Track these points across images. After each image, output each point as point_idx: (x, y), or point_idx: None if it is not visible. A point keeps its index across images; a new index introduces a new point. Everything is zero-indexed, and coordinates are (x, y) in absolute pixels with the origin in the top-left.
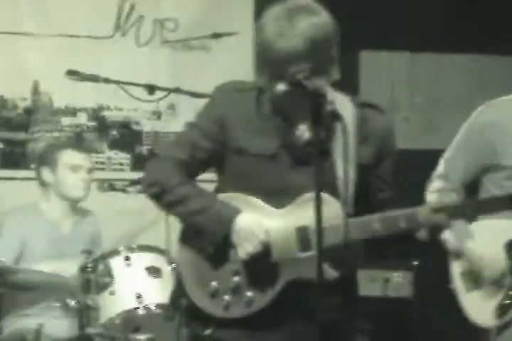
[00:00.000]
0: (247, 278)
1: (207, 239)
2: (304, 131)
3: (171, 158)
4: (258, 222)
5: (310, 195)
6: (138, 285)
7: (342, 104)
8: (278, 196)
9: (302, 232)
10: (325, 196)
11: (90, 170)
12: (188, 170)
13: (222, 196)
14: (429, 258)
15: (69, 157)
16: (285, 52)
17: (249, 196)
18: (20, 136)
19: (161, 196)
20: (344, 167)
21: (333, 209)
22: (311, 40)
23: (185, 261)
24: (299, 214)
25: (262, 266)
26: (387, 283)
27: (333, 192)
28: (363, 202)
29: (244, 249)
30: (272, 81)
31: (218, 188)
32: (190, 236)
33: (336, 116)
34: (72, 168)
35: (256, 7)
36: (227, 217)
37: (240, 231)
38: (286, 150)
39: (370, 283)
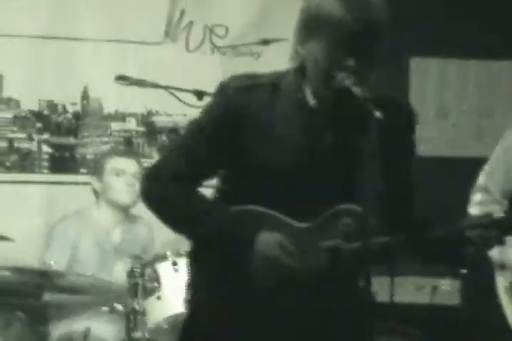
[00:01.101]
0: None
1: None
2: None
3: (169, 170)
4: (281, 244)
5: (339, 209)
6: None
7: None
8: (298, 208)
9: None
10: (354, 208)
11: (136, 175)
12: (189, 181)
13: (235, 210)
14: (477, 267)
15: (114, 162)
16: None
17: (265, 210)
18: (70, 140)
19: (162, 213)
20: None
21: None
22: (378, 22)
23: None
24: (328, 231)
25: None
26: (435, 290)
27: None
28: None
29: (269, 275)
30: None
31: (226, 197)
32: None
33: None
34: (116, 172)
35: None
36: (245, 238)
37: (262, 257)
38: (310, 157)
39: (418, 291)
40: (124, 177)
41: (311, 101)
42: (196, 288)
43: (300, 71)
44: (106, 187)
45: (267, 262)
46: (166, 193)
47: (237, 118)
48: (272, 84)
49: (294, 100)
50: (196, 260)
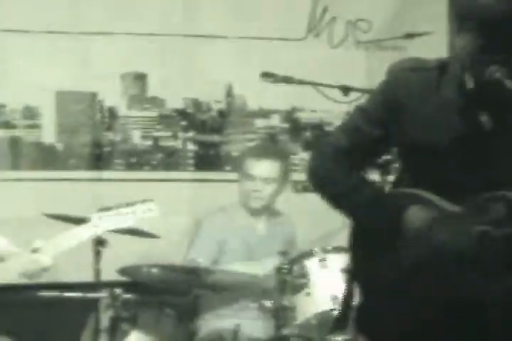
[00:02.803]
0: None
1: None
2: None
3: (332, 145)
4: (432, 218)
5: (491, 194)
6: (333, 287)
7: None
8: (453, 194)
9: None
10: (507, 195)
11: (272, 181)
12: (351, 158)
13: (391, 190)
14: None
15: (248, 165)
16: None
17: (421, 191)
18: (215, 138)
19: (322, 188)
20: None
21: None
22: None
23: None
24: (480, 216)
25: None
26: None
27: None
28: None
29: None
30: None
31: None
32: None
33: None
34: (247, 176)
35: (450, 6)
36: (397, 214)
37: (412, 228)
38: (466, 142)
39: None
40: (254, 182)
41: (470, 86)
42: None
43: (458, 60)
44: (240, 188)
45: (417, 232)
46: (327, 167)
47: (400, 98)
48: (438, 67)
49: (456, 85)
50: (355, 243)
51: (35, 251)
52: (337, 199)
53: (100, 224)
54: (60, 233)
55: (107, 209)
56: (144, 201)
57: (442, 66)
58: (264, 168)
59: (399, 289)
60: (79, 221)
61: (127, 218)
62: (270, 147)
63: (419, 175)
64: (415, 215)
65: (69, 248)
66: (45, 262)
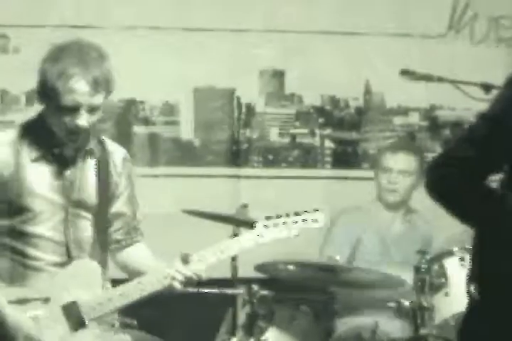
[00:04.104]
0: None
1: None
2: None
3: (456, 156)
4: None
5: None
6: None
7: None
8: None
9: None
10: None
11: (408, 174)
12: (478, 170)
13: None
14: None
15: (384, 158)
16: None
17: None
18: (352, 135)
19: (447, 199)
20: None
21: None
22: None
23: None
24: None
25: None
26: None
27: None
28: None
29: None
30: None
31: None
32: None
33: None
34: (383, 168)
35: None
36: None
37: None
38: None
39: None
40: (390, 174)
41: None
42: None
43: None
44: (376, 183)
45: None
46: (450, 181)
47: None
48: None
49: None
50: (482, 252)
51: (185, 261)
52: (464, 211)
53: (265, 234)
54: (219, 241)
55: (274, 217)
56: (311, 211)
57: None
58: (400, 160)
59: None
60: (221, 218)
61: (293, 228)
62: (407, 141)
63: None
64: None
65: (227, 257)
66: (201, 272)
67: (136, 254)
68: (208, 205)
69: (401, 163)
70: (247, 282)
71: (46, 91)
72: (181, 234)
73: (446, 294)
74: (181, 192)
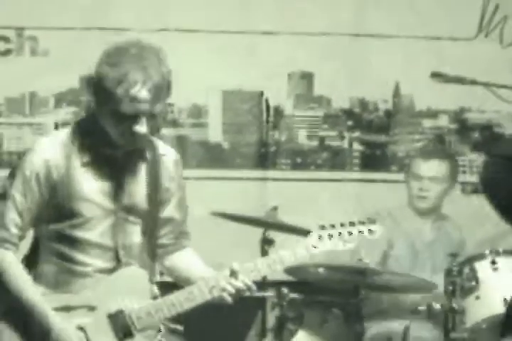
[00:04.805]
0: None
1: None
2: None
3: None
4: None
5: None
6: (505, 290)
7: None
8: None
9: None
10: None
11: (440, 181)
12: None
13: None
14: None
15: (415, 165)
16: None
17: None
18: (381, 138)
19: (499, 198)
20: None
21: None
22: None
23: None
24: None
25: None
26: None
27: None
28: None
29: None
30: None
31: None
32: None
33: None
34: (414, 176)
35: None
36: None
37: None
38: None
39: None
40: (421, 181)
41: None
42: None
43: None
44: (408, 189)
45: None
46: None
47: None
48: None
49: None
50: None
51: (236, 271)
52: None
53: (320, 246)
54: (271, 253)
55: (328, 227)
56: (367, 221)
57: None
58: (432, 166)
59: None
60: (251, 221)
61: (348, 240)
62: (438, 147)
63: None
64: None
65: (280, 269)
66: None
67: (184, 260)
68: (235, 208)
69: (433, 171)
70: (277, 285)
71: (103, 95)
72: (210, 237)
73: (477, 297)
74: (209, 194)
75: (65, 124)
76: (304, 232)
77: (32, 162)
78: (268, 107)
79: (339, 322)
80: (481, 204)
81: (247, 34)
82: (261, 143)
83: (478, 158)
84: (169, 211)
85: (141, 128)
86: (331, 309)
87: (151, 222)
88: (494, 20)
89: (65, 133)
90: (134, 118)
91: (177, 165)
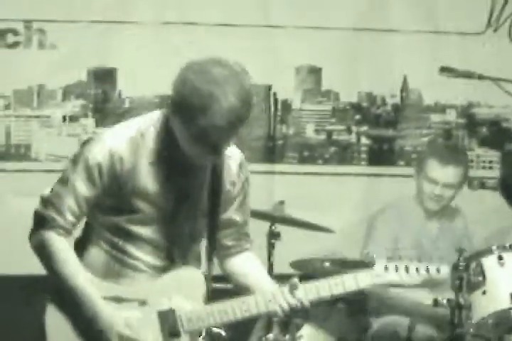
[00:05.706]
0: None
1: None
2: None
3: None
4: None
5: None
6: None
7: None
8: None
9: None
10: None
11: (454, 186)
12: None
13: None
14: None
15: (431, 168)
16: None
17: None
18: (388, 132)
19: None
20: None
21: None
22: None
23: None
24: None
25: None
26: None
27: None
28: None
29: None
30: None
31: None
32: None
33: None
34: (429, 179)
35: None
36: None
37: None
38: None
39: None
40: (436, 186)
41: None
42: None
43: None
44: (418, 189)
45: None
46: None
47: None
48: None
49: None
50: None
51: (294, 288)
52: None
53: (384, 276)
54: (333, 277)
55: (395, 258)
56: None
57: None
58: (448, 173)
59: None
60: (258, 215)
61: (414, 276)
62: (454, 150)
63: None
64: None
65: (339, 293)
66: (306, 302)
67: (244, 265)
68: None
69: (449, 178)
70: (283, 279)
71: (183, 118)
72: None
73: (484, 292)
74: None
75: (72, 117)
76: (312, 227)
77: (96, 152)
78: (276, 101)
79: (344, 316)
80: (488, 199)
81: (255, 28)
82: (269, 137)
83: (484, 153)
84: (230, 213)
85: (217, 156)
86: (337, 303)
87: (212, 224)
88: (503, 16)
89: (134, 129)
90: (213, 147)
91: (242, 167)
